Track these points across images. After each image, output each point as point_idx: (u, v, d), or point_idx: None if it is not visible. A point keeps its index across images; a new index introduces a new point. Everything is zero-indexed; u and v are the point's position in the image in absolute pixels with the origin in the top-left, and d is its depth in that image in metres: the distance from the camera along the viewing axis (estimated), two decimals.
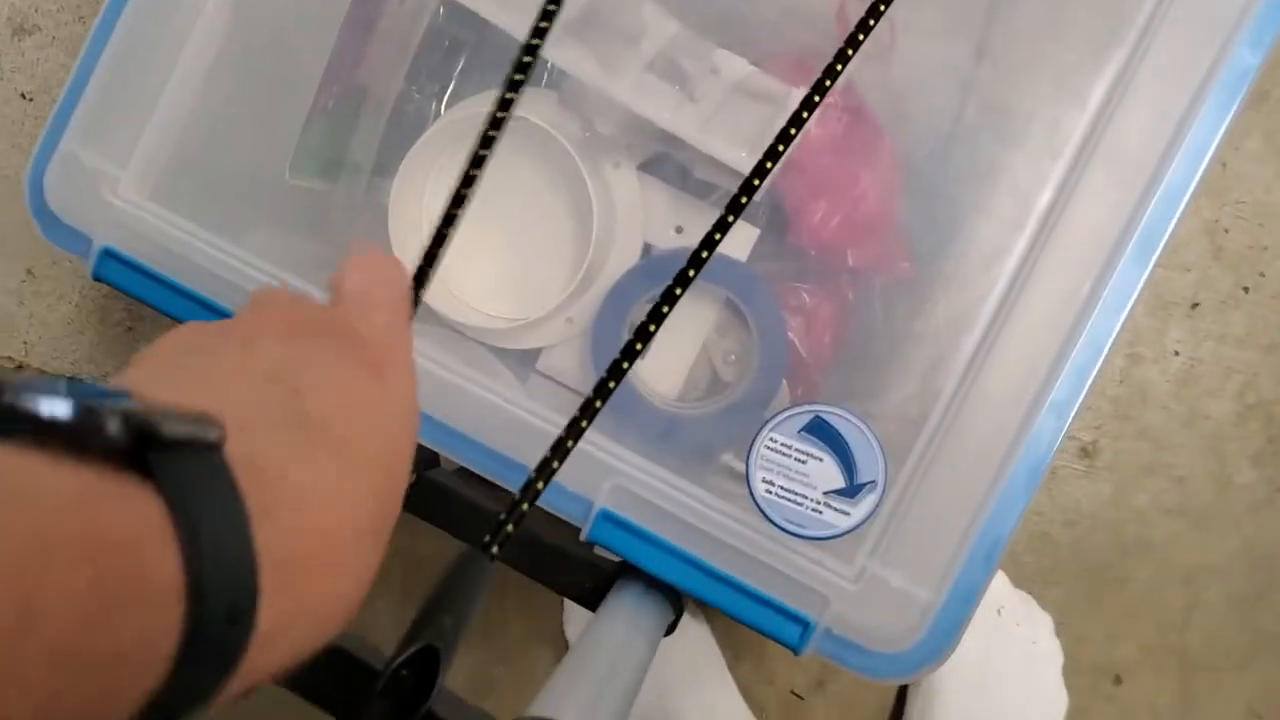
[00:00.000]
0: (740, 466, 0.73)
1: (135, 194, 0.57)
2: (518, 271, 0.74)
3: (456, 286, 0.73)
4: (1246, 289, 0.87)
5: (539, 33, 0.43)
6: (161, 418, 0.23)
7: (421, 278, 0.39)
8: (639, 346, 0.42)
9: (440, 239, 0.39)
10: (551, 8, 0.44)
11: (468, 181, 0.40)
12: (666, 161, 0.72)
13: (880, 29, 0.70)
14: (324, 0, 0.68)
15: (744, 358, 0.74)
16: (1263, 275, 0.87)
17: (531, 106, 0.72)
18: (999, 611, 0.86)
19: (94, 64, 0.58)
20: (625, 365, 0.41)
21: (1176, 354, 0.88)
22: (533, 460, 0.55)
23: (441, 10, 0.72)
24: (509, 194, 0.73)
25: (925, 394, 0.53)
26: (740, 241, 0.72)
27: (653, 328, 0.42)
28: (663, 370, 0.74)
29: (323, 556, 0.26)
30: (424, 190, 0.72)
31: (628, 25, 0.72)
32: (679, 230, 0.73)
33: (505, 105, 0.41)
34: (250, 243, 0.66)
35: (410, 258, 0.70)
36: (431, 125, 0.75)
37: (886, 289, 0.72)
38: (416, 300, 0.38)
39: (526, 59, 0.42)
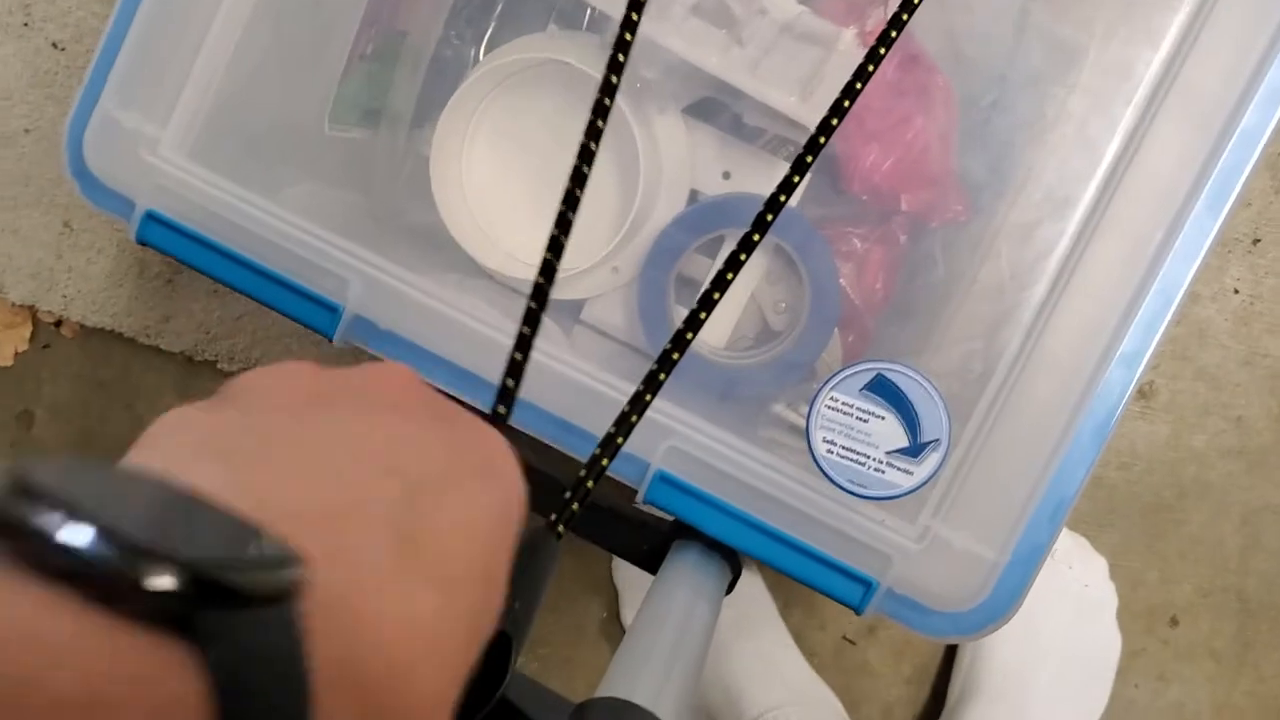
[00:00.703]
0: (792, 417, 0.72)
1: (175, 154, 0.56)
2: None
3: (499, 237, 0.72)
4: None
5: None
6: (236, 569, 0.18)
7: (549, 273, 0.37)
8: (703, 316, 0.40)
9: (565, 223, 0.37)
10: None
11: (593, 134, 0.38)
12: (713, 106, 0.70)
13: None
14: None
15: (795, 306, 0.72)
16: None
17: (573, 51, 0.70)
18: (1052, 554, 0.85)
19: (128, 21, 0.56)
20: (689, 336, 0.40)
21: (1236, 292, 0.86)
22: (587, 421, 0.54)
23: None
24: (551, 142, 0.72)
25: (989, 349, 0.52)
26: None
27: (717, 295, 0.41)
28: (711, 319, 0.73)
29: (400, 705, 0.22)
30: (464, 138, 0.70)
31: None
32: (726, 176, 0.71)
33: (623, 47, 0.38)
34: (291, 197, 0.65)
35: (452, 208, 0.70)
36: (471, 71, 0.73)
37: (943, 234, 0.71)
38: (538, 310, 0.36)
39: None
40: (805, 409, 0.73)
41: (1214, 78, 0.49)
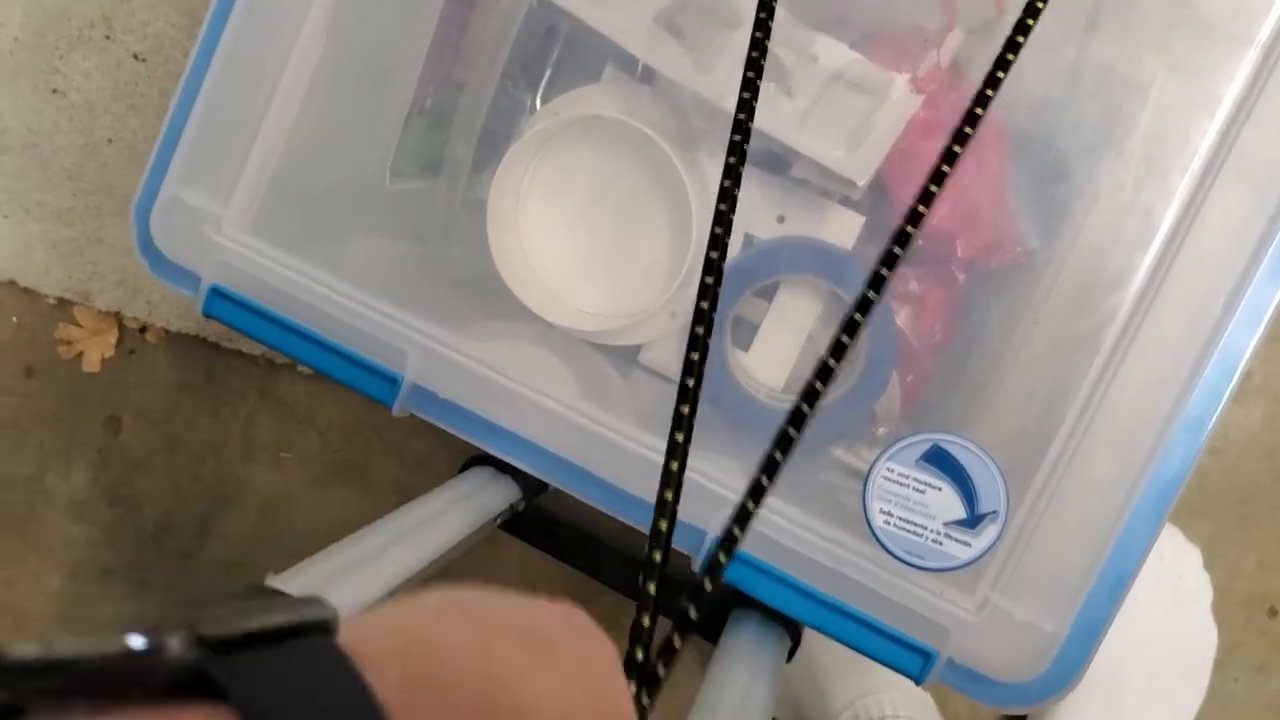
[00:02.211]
0: (852, 460, 0.72)
1: (238, 230, 0.57)
2: (619, 268, 0.73)
3: (558, 287, 0.73)
4: None
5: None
6: (235, 618, 0.20)
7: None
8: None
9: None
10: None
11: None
12: (766, 152, 0.70)
13: (988, 4, 0.67)
14: (417, 6, 0.66)
15: (852, 347, 0.72)
16: None
17: (624, 102, 0.71)
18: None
19: (192, 99, 0.57)
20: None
21: None
22: (639, 488, 0.55)
23: (535, 4, 0.70)
24: (607, 191, 0.72)
25: (1047, 419, 0.51)
26: (844, 229, 0.70)
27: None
28: (768, 362, 0.73)
29: None
30: (520, 190, 0.71)
31: (724, 10, 0.70)
32: (781, 220, 0.71)
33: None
34: (354, 252, 0.66)
35: (508, 256, 0.70)
36: (528, 120, 0.74)
37: (998, 300, 0.70)
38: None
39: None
40: (865, 452, 0.73)
41: (1272, 145, 0.48)
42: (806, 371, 0.75)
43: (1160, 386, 0.49)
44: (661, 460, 0.53)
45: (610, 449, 0.55)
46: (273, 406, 0.94)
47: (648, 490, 0.54)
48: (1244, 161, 0.48)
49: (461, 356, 0.55)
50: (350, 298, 0.56)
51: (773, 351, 0.73)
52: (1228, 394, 0.49)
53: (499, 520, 0.63)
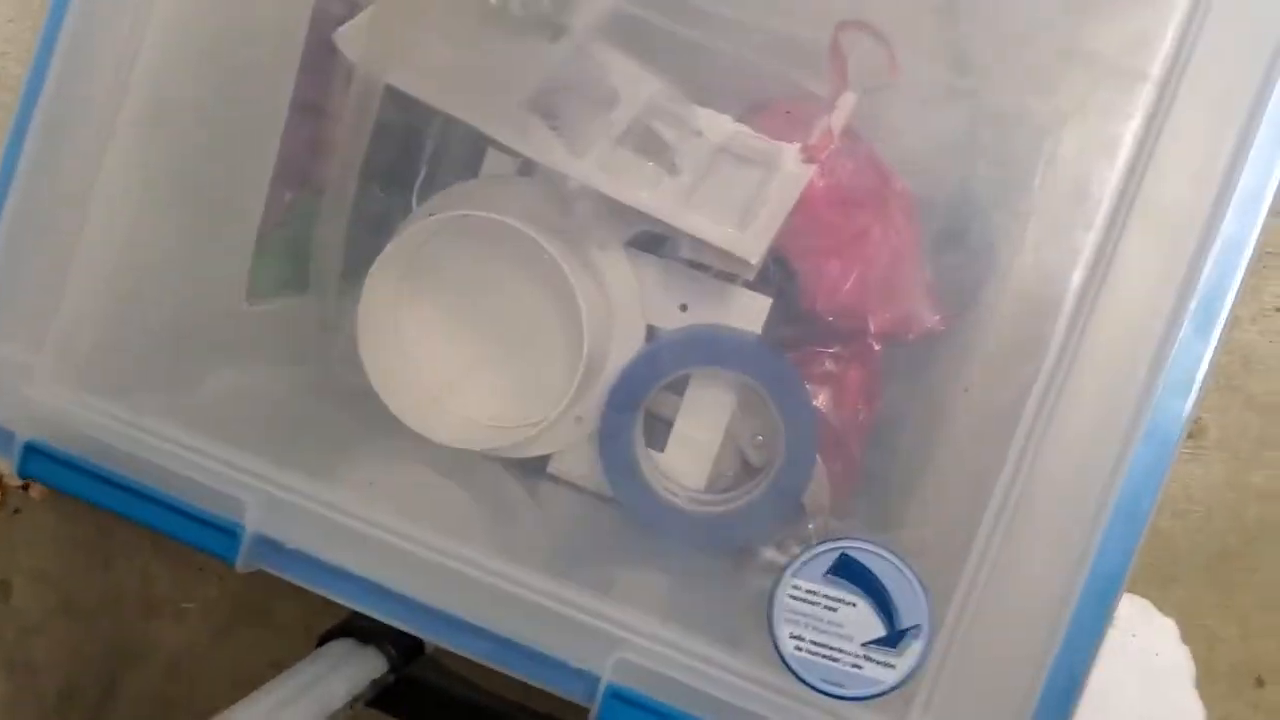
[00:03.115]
0: (784, 560, 0.65)
1: (55, 380, 0.51)
2: (512, 375, 0.67)
3: (444, 400, 0.67)
4: None
5: None
6: None
7: None
8: None
9: None
10: None
11: None
12: (658, 237, 0.64)
13: (880, 63, 0.63)
14: (253, 110, 0.61)
15: (773, 437, 0.66)
16: None
17: (503, 197, 0.65)
18: (1114, 623, 0.78)
19: None
20: None
21: (1278, 309, 0.79)
22: (533, 638, 0.48)
23: (391, 100, 0.65)
24: (490, 293, 0.67)
25: (971, 510, 0.45)
26: (752, 313, 0.65)
27: None
28: (686, 461, 0.67)
29: None
30: (397, 294, 0.66)
31: (598, 90, 0.65)
32: (684, 308, 0.66)
33: None
34: (212, 389, 0.60)
35: (385, 370, 0.64)
36: (402, 225, 0.69)
37: (921, 357, 0.65)
38: None
39: None
40: (798, 549, 0.67)
41: (1179, 186, 0.42)
42: (728, 468, 0.69)
43: (1086, 469, 0.44)
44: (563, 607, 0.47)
45: (495, 596, 0.49)
46: (168, 556, 0.89)
47: (543, 639, 0.48)
48: (1151, 207, 0.43)
49: (308, 501, 0.49)
50: (183, 446, 0.50)
51: (690, 450, 0.67)
52: (1165, 471, 0.43)
53: (361, 701, 0.56)
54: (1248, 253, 0.42)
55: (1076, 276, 0.44)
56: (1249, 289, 0.77)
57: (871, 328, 0.62)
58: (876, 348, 0.66)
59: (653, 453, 0.67)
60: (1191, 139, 0.42)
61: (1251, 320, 0.80)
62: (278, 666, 0.56)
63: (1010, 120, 0.54)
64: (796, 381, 0.63)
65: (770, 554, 0.65)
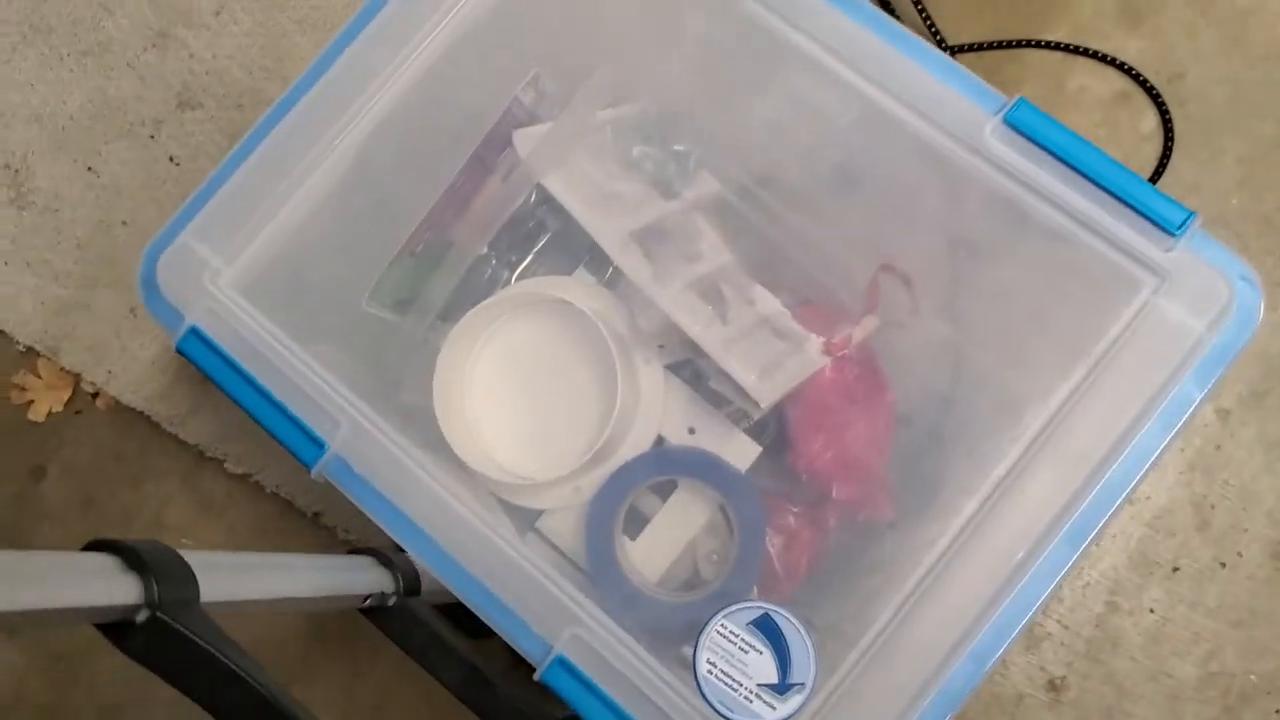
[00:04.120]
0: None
1: (231, 288, 0.66)
2: (540, 435, 0.82)
3: (482, 436, 0.81)
4: (1224, 564, 0.93)
5: None
6: None
7: None
8: None
9: None
10: None
11: None
12: (692, 368, 0.80)
13: (903, 299, 0.80)
14: (435, 163, 0.78)
15: (724, 560, 0.80)
16: (1240, 555, 0.93)
17: (586, 294, 0.81)
18: None
19: (228, 174, 0.68)
20: None
21: (1151, 611, 0.94)
22: (524, 608, 0.61)
23: (534, 195, 0.82)
24: (549, 363, 0.82)
25: (861, 616, 0.59)
26: (743, 454, 0.79)
27: None
28: (650, 554, 0.80)
29: None
30: (475, 344, 0.81)
31: (688, 246, 0.82)
32: (692, 431, 0.81)
33: None
34: (318, 352, 0.74)
35: (447, 401, 0.79)
36: (499, 291, 0.84)
37: (867, 526, 0.79)
38: None
39: None
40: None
41: (1086, 438, 0.58)
42: (682, 572, 0.83)
43: (961, 613, 0.58)
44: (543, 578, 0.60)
45: (493, 552, 0.62)
46: (192, 494, 0.99)
47: (518, 599, 0.61)
48: (1065, 440, 0.59)
49: (388, 441, 0.63)
50: (305, 364, 0.64)
51: (656, 546, 0.80)
52: (1014, 634, 0.58)
53: (367, 602, 0.68)
54: (1125, 493, 0.58)
55: (997, 471, 0.59)
56: (1135, 585, 0.93)
57: (834, 493, 0.76)
58: (833, 522, 0.80)
59: (626, 539, 0.80)
60: (1109, 403, 0.59)
61: (1130, 612, 0.95)
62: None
63: (978, 372, 0.71)
64: (760, 520, 0.78)
65: (686, 651, 0.78)
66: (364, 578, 0.68)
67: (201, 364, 0.65)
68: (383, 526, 0.62)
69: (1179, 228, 0.59)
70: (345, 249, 0.75)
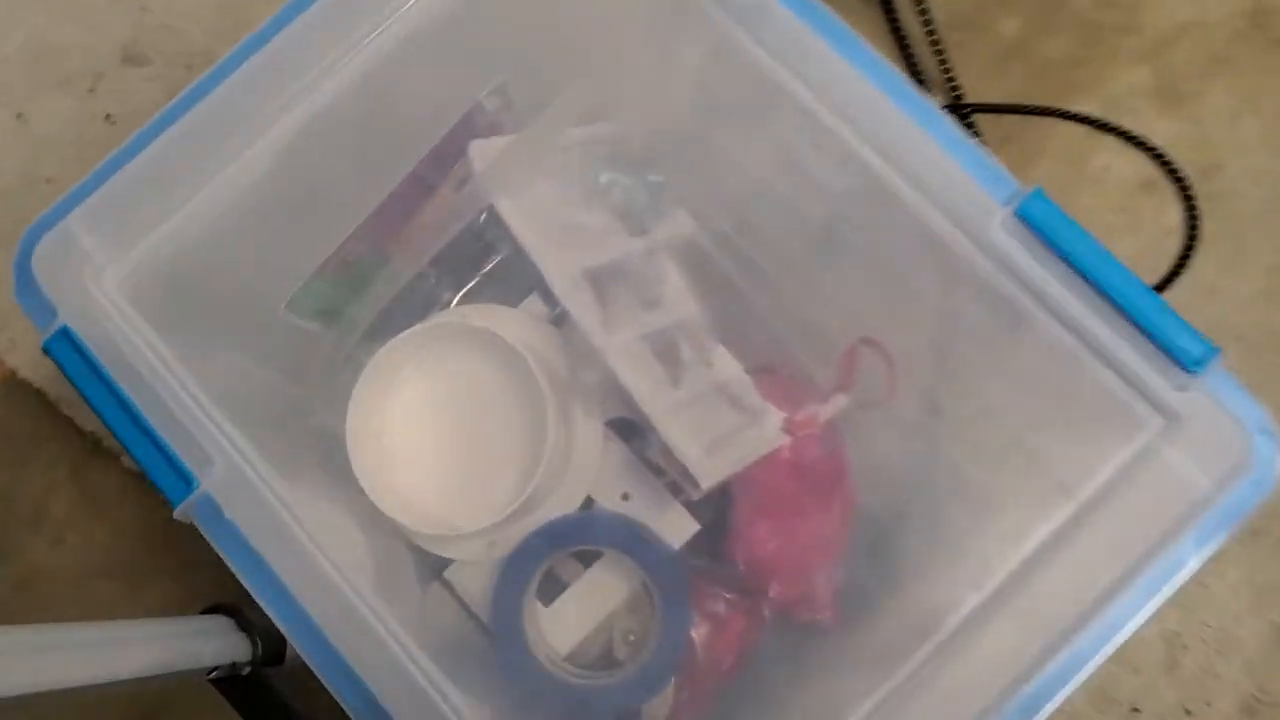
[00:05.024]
0: None
1: (116, 287, 0.58)
2: (460, 480, 0.73)
3: (395, 473, 0.73)
4: (1189, 711, 0.86)
5: None
6: None
7: None
8: None
9: None
10: None
11: None
12: (634, 429, 0.72)
13: (880, 380, 0.72)
14: (379, 163, 0.70)
15: (642, 643, 0.72)
16: (1209, 704, 0.86)
17: (528, 330, 0.73)
18: None
19: (133, 154, 0.59)
20: None
21: None
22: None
23: (485, 215, 0.73)
24: (480, 401, 0.73)
25: None
26: (679, 530, 0.71)
27: None
28: (561, 624, 0.72)
29: None
30: (400, 370, 0.72)
31: (648, 291, 0.74)
32: (625, 497, 0.73)
33: None
34: (218, 362, 0.66)
35: (361, 428, 0.71)
36: (434, 315, 0.76)
37: (805, 629, 0.71)
38: None
39: None
40: None
41: (1066, 589, 0.51)
42: (594, 649, 0.75)
43: None
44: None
45: (376, 647, 0.54)
46: (80, 485, 0.92)
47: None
48: (1027, 604, 0.51)
49: (267, 490, 0.55)
50: (185, 389, 0.56)
51: (570, 617, 0.72)
52: None
53: (214, 673, 0.60)
54: (1089, 667, 0.50)
55: (953, 620, 0.51)
56: None
57: (770, 592, 0.69)
58: (766, 614, 0.73)
59: (538, 603, 0.73)
60: (1089, 557, 0.51)
61: None
62: None
63: (950, 478, 0.63)
64: (686, 604, 0.70)
65: None
66: (214, 646, 0.60)
67: (68, 370, 0.57)
68: (250, 589, 0.54)
69: (1198, 364, 0.51)
70: (267, 250, 0.66)
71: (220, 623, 0.62)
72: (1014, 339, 0.57)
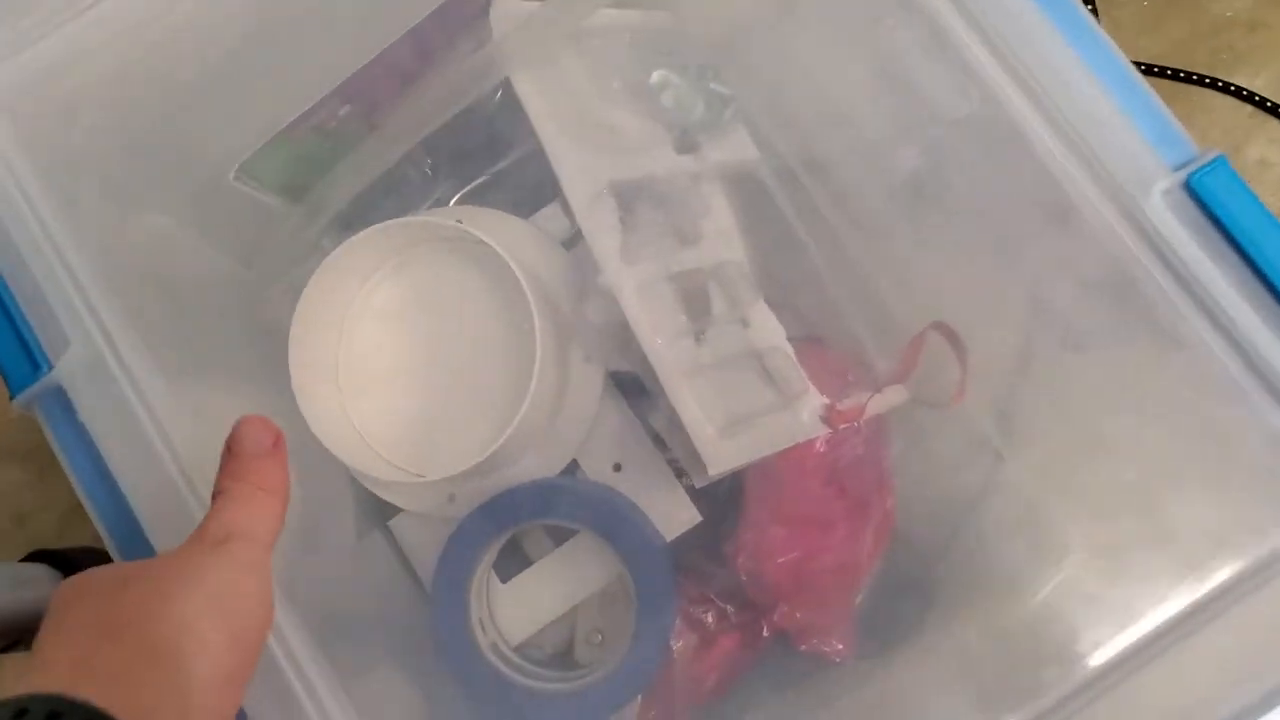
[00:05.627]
0: None
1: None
2: (426, 418, 0.60)
3: (347, 400, 0.59)
4: None
5: None
6: None
7: None
8: None
9: None
10: None
11: None
12: (641, 388, 0.58)
13: (949, 376, 0.58)
14: (374, 11, 0.56)
15: (611, 646, 0.59)
16: None
17: (530, 246, 0.60)
18: None
19: None
20: None
21: None
22: None
23: (499, 95, 0.59)
24: (457, 329, 0.59)
25: None
26: (675, 519, 0.58)
27: None
28: (516, 608, 0.60)
29: None
30: (367, 278, 0.59)
31: (687, 223, 0.60)
32: (617, 468, 0.59)
33: None
34: (136, 222, 0.53)
35: (312, 338, 0.58)
36: (424, 208, 0.63)
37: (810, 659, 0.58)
38: None
39: None
40: None
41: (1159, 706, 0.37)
42: (550, 644, 0.62)
43: None
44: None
45: None
46: None
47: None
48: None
49: (130, 388, 0.41)
50: (60, 260, 0.43)
51: (528, 600, 0.60)
52: None
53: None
54: None
55: None
56: None
57: (775, 614, 0.55)
58: (765, 634, 0.59)
59: (495, 577, 0.60)
60: (1213, 662, 0.37)
61: None
62: None
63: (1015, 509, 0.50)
64: (670, 608, 0.57)
65: None
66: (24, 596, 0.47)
67: None
68: (82, 494, 0.42)
69: None
70: (216, 89, 0.53)
71: (40, 572, 0.49)
72: (1148, 351, 0.43)
